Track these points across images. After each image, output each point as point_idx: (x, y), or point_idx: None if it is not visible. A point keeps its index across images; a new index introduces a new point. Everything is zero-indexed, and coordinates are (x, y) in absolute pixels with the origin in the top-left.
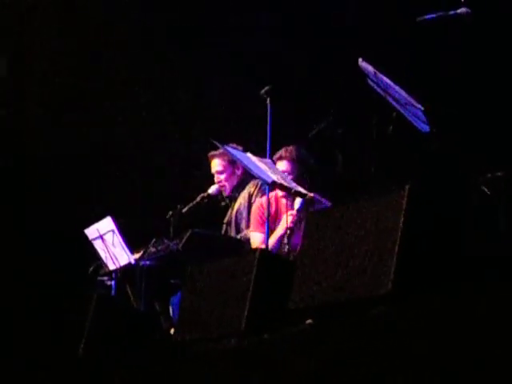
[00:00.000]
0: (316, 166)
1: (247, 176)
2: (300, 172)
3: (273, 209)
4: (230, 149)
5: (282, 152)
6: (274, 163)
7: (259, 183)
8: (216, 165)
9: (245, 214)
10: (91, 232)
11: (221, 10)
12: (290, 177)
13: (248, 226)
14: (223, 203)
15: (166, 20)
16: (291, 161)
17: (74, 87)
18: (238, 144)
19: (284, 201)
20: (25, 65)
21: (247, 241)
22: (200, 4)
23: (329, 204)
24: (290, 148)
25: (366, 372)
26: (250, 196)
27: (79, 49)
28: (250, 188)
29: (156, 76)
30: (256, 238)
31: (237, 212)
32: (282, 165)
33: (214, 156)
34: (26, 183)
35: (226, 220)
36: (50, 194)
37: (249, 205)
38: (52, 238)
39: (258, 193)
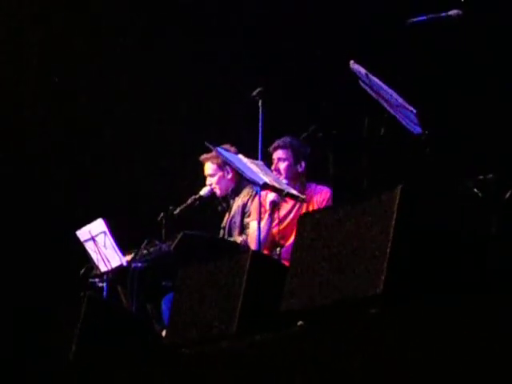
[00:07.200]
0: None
1: (243, 180)
2: (295, 158)
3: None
4: (221, 151)
5: (277, 142)
6: (271, 155)
7: (253, 192)
8: (207, 168)
9: (238, 223)
10: (83, 234)
11: (213, 10)
12: (286, 163)
13: (240, 234)
14: (220, 208)
15: (158, 20)
16: (284, 148)
17: (63, 88)
18: (230, 145)
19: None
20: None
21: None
22: (192, 3)
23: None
24: (284, 137)
25: (358, 373)
26: (244, 206)
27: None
28: (244, 197)
29: (147, 77)
30: (252, 226)
31: (231, 219)
32: (277, 153)
33: (205, 159)
34: (17, 183)
35: (222, 224)
36: (41, 196)
37: (242, 214)
38: (44, 240)
39: (251, 203)
